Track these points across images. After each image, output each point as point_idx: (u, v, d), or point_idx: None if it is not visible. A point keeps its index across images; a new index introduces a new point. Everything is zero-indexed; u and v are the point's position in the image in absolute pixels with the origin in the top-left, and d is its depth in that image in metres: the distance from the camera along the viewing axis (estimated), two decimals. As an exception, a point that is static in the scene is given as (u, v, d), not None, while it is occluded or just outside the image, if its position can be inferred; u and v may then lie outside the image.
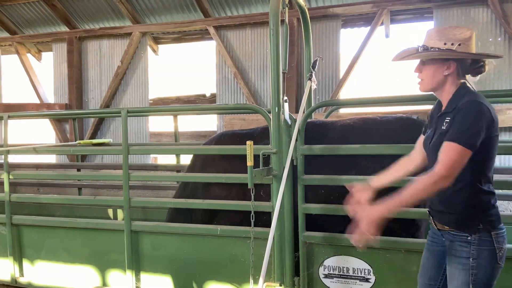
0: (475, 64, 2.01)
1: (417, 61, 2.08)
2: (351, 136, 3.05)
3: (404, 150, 2.69)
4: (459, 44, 1.94)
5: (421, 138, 2.25)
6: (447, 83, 2.01)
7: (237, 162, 3.21)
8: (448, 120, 1.96)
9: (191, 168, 3.74)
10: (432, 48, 1.98)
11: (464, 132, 1.86)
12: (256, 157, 2.79)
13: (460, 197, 1.95)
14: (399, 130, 3.02)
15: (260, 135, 3.39)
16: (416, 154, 2.27)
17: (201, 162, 3.64)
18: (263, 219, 3.16)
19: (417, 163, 2.25)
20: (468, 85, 2.02)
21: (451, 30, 1.98)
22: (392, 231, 2.88)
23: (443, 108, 2.05)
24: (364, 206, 2.08)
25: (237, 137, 3.51)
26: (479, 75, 2.04)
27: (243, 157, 2.80)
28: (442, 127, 1.98)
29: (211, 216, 3.49)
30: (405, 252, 2.82)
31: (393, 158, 2.42)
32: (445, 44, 1.95)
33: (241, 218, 3.31)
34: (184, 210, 3.61)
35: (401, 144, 2.80)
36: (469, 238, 1.94)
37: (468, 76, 2.03)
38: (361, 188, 2.29)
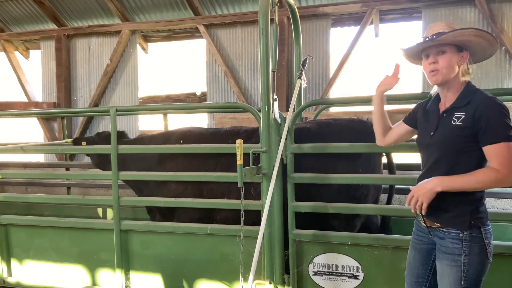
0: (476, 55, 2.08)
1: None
2: (307, 138, 3.09)
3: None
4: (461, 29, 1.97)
5: (401, 125, 2.34)
6: (457, 76, 2.01)
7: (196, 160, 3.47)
8: (462, 117, 1.94)
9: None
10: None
11: (503, 129, 1.87)
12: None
13: (459, 193, 1.95)
14: (351, 133, 3.18)
15: (224, 135, 3.52)
16: (389, 134, 2.39)
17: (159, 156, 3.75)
18: (220, 218, 3.37)
19: (385, 140, 2.40)
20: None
21: (448, 22, 2.06)
22: (334, 227, 3.12)
23: (449, 103, 2.03)
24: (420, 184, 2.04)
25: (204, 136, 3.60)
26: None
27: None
28: (452, 122, 1.96)
29: (171, 210, 3.61)
30: (392, 249, 2.85)
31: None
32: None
33: (199, 215, 3.43)
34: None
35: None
36: (460, 235, 1.95)
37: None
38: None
